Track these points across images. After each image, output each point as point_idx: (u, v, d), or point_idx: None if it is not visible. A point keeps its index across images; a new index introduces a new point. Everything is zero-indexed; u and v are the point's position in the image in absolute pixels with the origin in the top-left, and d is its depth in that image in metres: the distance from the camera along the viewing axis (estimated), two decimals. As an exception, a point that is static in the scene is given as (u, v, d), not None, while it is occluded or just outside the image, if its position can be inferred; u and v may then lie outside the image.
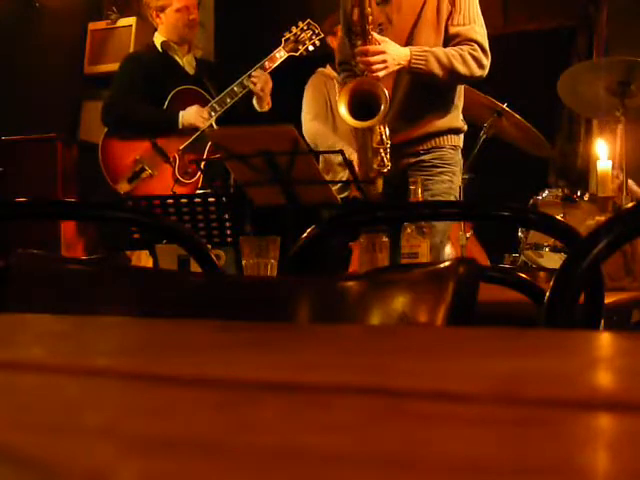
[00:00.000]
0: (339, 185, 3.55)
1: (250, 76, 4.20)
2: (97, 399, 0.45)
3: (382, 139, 2.99)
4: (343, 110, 2.90)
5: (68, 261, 1.28)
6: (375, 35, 2.99)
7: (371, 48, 2.95)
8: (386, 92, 2.90)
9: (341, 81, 3.29)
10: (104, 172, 4.31)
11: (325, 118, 4.33)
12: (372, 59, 2.94)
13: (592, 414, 0.39)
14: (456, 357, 0.56)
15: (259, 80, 4.18)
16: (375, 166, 3.00)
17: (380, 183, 3.03)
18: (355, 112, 2.92)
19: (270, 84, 4.21)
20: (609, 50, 4.89)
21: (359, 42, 2.99)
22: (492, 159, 4.13)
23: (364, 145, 3.03)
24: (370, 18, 2.97)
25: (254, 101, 4.23)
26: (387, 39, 3.00)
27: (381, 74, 2.95)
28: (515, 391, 0.43)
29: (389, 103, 2.91)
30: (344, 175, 3.67)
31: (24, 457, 0.32)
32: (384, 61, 2.95)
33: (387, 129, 3.01)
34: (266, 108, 4.23)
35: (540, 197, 3.63)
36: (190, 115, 4.21)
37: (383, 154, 3.00)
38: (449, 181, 3.17)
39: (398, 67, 2.99)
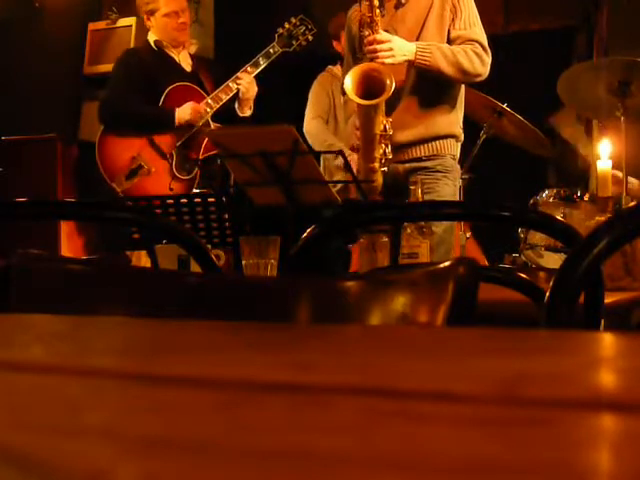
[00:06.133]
0: (339, 188, 3.54)
1: (237, 78, 4.22)
2: (97, 399, 0.45)
3: (385, 128, 3.03)
4: (349, 88, 2.95)
5: (68, 261, 1.28)
6: (382, 32, 3.09)
7: (378, 36, 3.05)
8: (392, 74, 2.95)
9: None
10: (101, 170, 4.32)
11: (328, 118, 4.32)
12: (379, 47, 3.03)
13: (592, 414, 0.39)
14: (456, 357, 0.56)
15: (244, 83, 4.20)
16: (377, 156, 3.03)
17: (380, 179, 3.05)
18: (361, 95, 2.97)
19: (255, 89, 4.23)
20: (609, 50, 4.88)
21: (367, 33, 3.06)
22: (492, 159, 4.14)
23: (368, 131, 3.05)
24: (377, 11, 3.05)
25: (236, 105, 4.24)
26: (394, 36, 3.10)
27: (387, 61, 3.04)
28: (515, 391, 0.43)
29: (395, 92, 2.96)
30: (342, 177, 3.67)
31: (24, 457, 0.32)
32: (390, 49, 3.04)
33: (390, 120, 3.05)
34: (248, 113, 4.24)
35: (540, 197, 3.64)
36: (185, 112, 4.22)
37: (385, 146, 3.04)
38: (454, 185, 3.26)
39: (404, 58, 3.08)
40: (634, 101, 3.69)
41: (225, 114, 4.26)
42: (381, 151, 3.04)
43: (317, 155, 3.74)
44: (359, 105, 3.02)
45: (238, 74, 4.22)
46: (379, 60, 3.02)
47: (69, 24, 5.56)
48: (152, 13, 4.35)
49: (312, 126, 4.25)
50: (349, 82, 2.96)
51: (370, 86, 2.97)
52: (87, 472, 0.31)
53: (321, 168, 3.56)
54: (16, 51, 5.25)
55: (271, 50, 4.25)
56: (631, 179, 3.55)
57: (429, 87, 3.18)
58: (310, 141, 4.09)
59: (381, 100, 2.97)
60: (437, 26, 3.17)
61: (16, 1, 5.43)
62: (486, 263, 4.09)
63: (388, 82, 2.93)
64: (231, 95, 4.26)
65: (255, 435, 0.36)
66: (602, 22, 4.98)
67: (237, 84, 4.20)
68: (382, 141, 3.04)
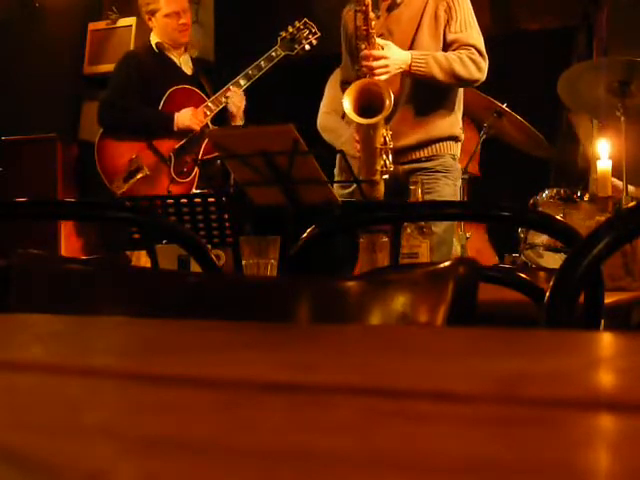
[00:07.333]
0: (350, 190, 3.51)
1: (226, 94, 4.23)
2: (97, 399, 0.45)
3: (385, 141, 3.04)
4: (348, 108, 2.95)
5: (68, 261, 1.28)
6: (378, 40, 3.08)
7: (374, 52, 3.05)
8: (390, 91, 2.95)
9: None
10: (100, 172, 4.32)
11: (343, 113, 4.27)
12: (374, 64, 3.04)
13: (592, 414, 0.39)
14: (456, 357, 0.56)
15: (232, 98, 4.21)
16: (378, 168, 3.03)
17: (382, 188, 3.06)
18: (360, 111, 2.97)
19: (244, 102, 4.24)
20: (609, 50, 4.88)
21: (363, 46, 3.05)
22: (492, 159, 4.14)
23: (368, 146, 3.06)
24: (373, 23, 3.04)
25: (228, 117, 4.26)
26: (389, 42, 3.11)
27: (383, 77, 3.05)
28: (515, 391, 0.43)
29: (393, 104, 2.96)
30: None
31: (24, 457, 0.32)
32: (386, 65, 3.05)
33: (390, 132, 3.06)
34: (239, 124, 4.26)
35: (540, 197, 3.63)
36: (185, 117, 4.22)
37: (385, 157, 3.04)
38: (454, 185, 3.25)
39: (399, 70, 3.09)
40: (634, 101, 3.69)
41: (225, 117, 4.26)
42: (382, 162, 3.05)
43: (318, 154, 3.71)
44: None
45: (239, 78, 4.22)
46: (376, 78, 3.03)
47: (69, 24, 5.56)
48: (153, 13, 4.35)
49: (325, 120, 4.17)
50: (347, 102, 2.96)
51: (369, 100, 2.98)
52: (87, 472, 0.31)
53: (337, 165, 3.54)
54: (16, 51, 5.25)
55: (273, 53, 4.24)
56: (631, 188, 3.55)
57: (425, 95, 3.17)
58: (326, 137, 4.03)
59: (379, 119, 2.97)
60: (432, 27, 3.16)
61: (16, 1, 5.43)
62: (496, 261, 4.10)
63: (388, 102, 2.93)
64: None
65: (255, 435, 0.36)
66: (602, 22, 4.98)
67: (226, 97, 4.22)
68: (382, 153, 3.05)
